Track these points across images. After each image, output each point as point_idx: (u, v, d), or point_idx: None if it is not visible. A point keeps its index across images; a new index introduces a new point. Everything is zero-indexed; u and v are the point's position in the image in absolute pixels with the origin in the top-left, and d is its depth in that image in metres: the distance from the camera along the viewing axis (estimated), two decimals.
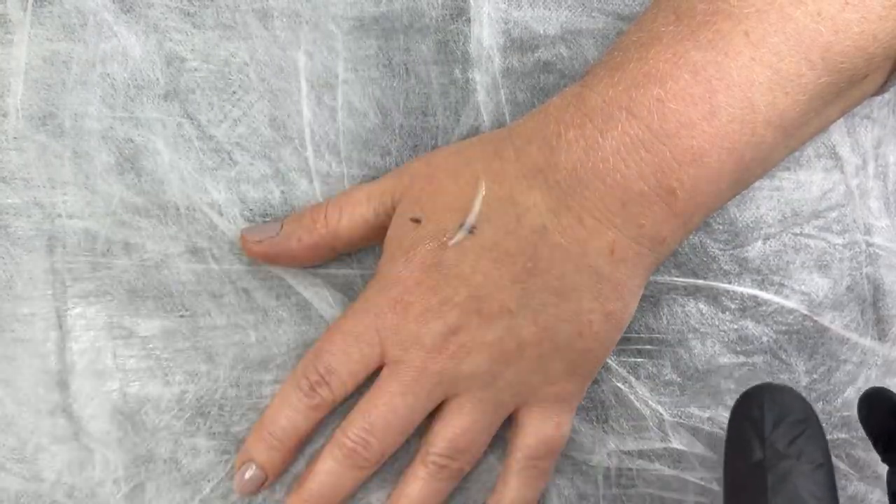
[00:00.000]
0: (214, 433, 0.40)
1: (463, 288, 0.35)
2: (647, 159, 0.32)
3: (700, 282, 0.41)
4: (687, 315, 0.41)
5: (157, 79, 0.40)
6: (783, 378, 0.41)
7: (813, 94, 0.32)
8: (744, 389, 0.40)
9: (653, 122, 0.32)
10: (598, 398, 0.41)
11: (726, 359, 0.41)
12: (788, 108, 0.32)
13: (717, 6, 0.32)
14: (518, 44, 0.40)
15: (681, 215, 0.33)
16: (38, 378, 0.41)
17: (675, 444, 0.41)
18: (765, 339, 0.41)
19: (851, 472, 0.42)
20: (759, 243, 0.41)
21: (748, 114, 0.32)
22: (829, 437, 0.41)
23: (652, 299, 0.41)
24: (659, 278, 0.41)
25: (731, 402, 0.41)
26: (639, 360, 0.41)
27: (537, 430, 0.38)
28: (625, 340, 0.41)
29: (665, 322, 0.41)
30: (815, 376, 0.41)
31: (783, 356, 0.41)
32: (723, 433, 0.41)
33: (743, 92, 0.31)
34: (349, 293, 0.40)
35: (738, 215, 0.41)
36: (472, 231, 0.34)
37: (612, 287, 0.34)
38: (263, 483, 0.38)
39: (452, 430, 0.37)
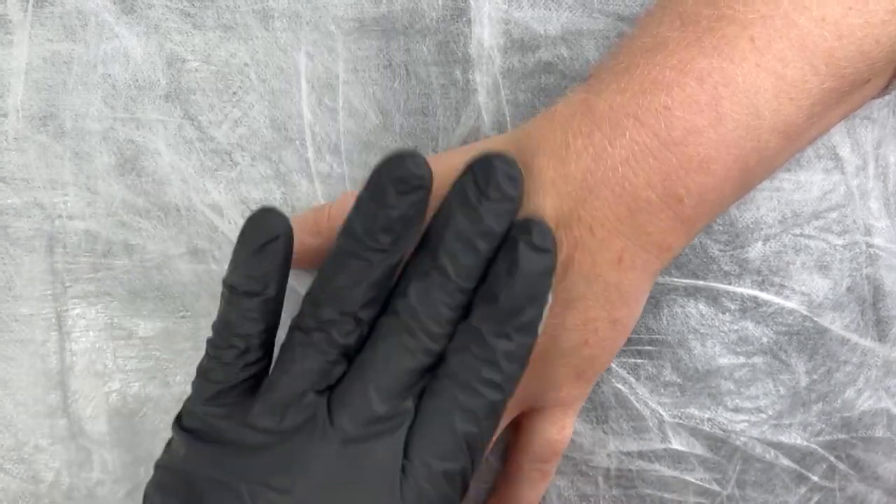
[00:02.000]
0: None
1: None
2: (655, 167, 0.32)
3: (700, 283, 0.41)
4: (687, 316, 0.41)
5: (158, 80, 0.40)
6: (783, 378, 0.41)
7: (816, 100, 0.32)
8: (743, 390, 0.40)
9: (660, 129, 0.32)
10: (598, 399, 0.41)
11: (726, 360, 0.41)
12: (793, 114, 0.32)
13: (722, 12, 0.32)
14: (519, 44, 0.40)
15: (687, 222, 0.33)
16: (37, 379, 0.41)
17: (675, 444, 0.41)
18: (765, 339, 0.41)
19: (851, 472, 0.42)
20: (760, 244, 0.41)
21: (753, 120, 0.32)
22: (829, 437, 0.41)
23: (652, 300, 0.41)
24: (659, 279, 0.41)
25: (730, 403, 0.41)
26: (639, 360, 0.41)
27: (540, 433, 0.38)
28: (625, 341, 0.41)
29: (665, 323, 0.41)
30: (815, 377, 0.41)
31: (783, 357, 0.41)
32: (723, 434, 0.41)
33: (748, 98, 0.31)
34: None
35: (738, 216, 0.41)
36: None
37: (619, 295, 0.34)
38: None
39: None
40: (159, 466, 0.33)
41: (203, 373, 0.34)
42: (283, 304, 0.34)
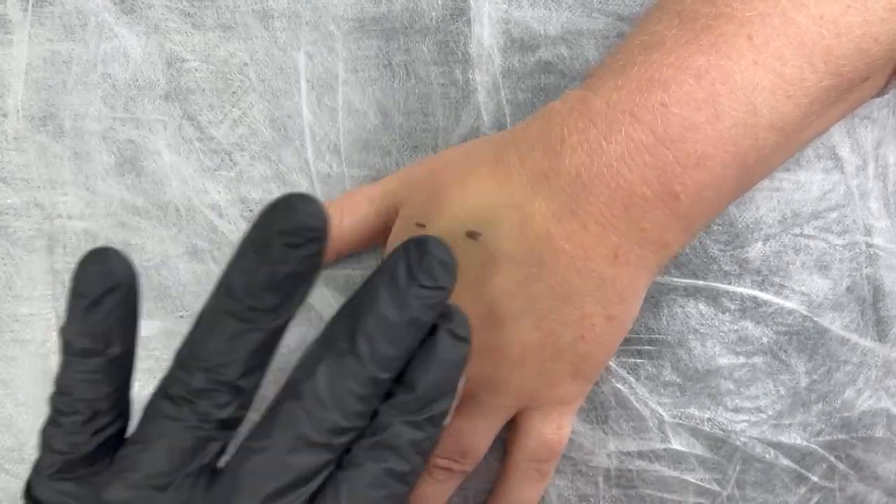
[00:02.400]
0: None
1: (467, 293, 0.35)
2: (651, 164, 0.32)
3: (700, 282, 0.41)
4: (687, 316, 0.41)
5: (158, 79, 0.40)
6: (783, 378, 0.41)
7: (815, 98, 0.32)
8: (743, 390, 0.40)
9: (657, 126, 0.32)
10: (597, 399, 0.41)
11: (726, 359, 0.41)
12: (790, 112, 0.32)
13: (720, 10, 0.32)
14: (518, 44, 0.40)
15: (684, 219, 0.33)
16: (37, 378, 0.41)
17: (675, 444, 0.41)
18: (765, 339, 0.41)
19: (851, 472, 0.42)
20: (759, 244, 0.41)
21: (751, 117, 0.32)
22: (828, 437, 0.41)
23: (652, 300, 0.41)
24: (659, 279, 0.41)
25: (730, 403, 0.41)
26: (639, 360, 0.41)
27: (538, 432, 0.38)
28: (625, 341, 0.41)
29: (665, 323, 0.41)
30: (814, 377, 0.41)
31: (783, 357, 0.41)
32: (723, 434, 0.41)
33: (746, 96, 0.31)
34: (349, 293, 0.40)
35: (737, 216, 0.41)
36: (476, 237, 0.34)
37: (616, 291, 0.34)
38: None
39: (455, 432, 0.37)
40: None
41: (47, 441, 0.28)
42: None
